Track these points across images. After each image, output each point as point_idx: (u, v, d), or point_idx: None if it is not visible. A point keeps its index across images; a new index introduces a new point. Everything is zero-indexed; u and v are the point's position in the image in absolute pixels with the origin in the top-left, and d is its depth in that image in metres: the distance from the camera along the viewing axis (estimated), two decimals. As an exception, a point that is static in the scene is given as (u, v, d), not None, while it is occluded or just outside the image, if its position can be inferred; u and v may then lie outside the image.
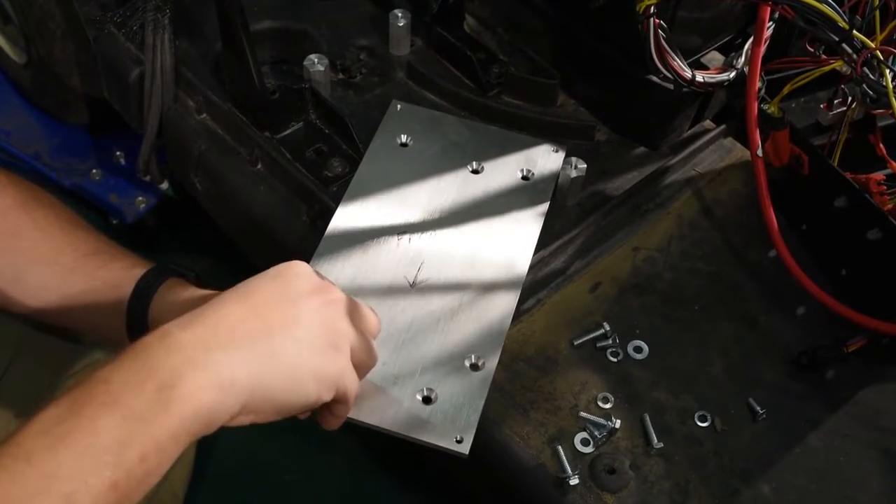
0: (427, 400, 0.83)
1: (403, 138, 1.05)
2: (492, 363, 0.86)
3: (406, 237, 0.96)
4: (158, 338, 0.65)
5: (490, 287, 0.92)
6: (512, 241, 0.97)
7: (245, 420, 0.69)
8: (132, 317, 0.86)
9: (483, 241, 0.96)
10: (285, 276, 0.73)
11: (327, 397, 0.73)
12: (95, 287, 0.86)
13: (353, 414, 0.80)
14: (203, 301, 0.84)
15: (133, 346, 0.65)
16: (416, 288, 0.92)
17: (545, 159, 1.05)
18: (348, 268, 0.92)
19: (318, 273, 0.76)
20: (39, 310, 0.90)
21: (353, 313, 0.76)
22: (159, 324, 0.84)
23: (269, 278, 0.73)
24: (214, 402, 0.64)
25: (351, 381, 0.74)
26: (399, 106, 1.09)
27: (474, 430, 0.81)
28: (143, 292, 0.85)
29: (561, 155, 1.05)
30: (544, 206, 1.00)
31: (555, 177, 1.04)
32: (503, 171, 1.03)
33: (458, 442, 0.80)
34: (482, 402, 0.83)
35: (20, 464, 0.58)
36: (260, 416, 0.69)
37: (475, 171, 1.03)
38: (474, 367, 0.86)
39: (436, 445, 0.80)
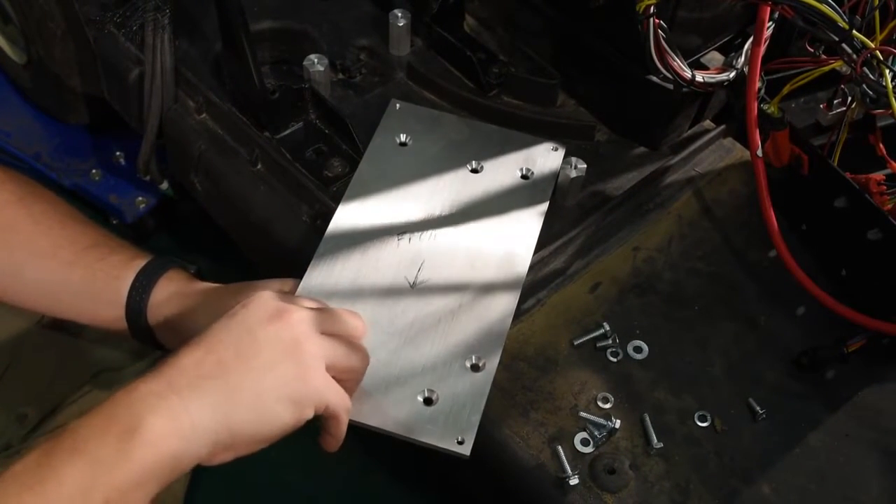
0: (428, 401, 0.83)
1: (403, 137, 1.05)
2: (492, 364, 0.86)
3: (406, 237, 0.96)
4: (125, 391, 0.66)
5: (490, 287, 0.92)
6: (512, 241, 0.97)
7: (226, 457, 0.69)
8: (131, 308, 0.86)
9: (483, 240, 0.96)
10: (241, 311, 0.73)
11: (308, 415, 0.72)
12: (94, 279, 0.86)
13: (354, 416, 0.80)
14: (201, 295, 0.84)
15: (105, 401, 0.66)
16: (416, 288, 0.91)
17: (545, 158, 1.05)
18: (348, 269, 0.92)
19: (283, 295, 0.76)
20: (39, 303, 0.90)
21: (326, 324, 0.75)
22: (158, 315, 0.84)
23: (226, 317, 0.73)
24: (177, 447, 0.65)
25: (335, 395, 0.73)
26: (398, 105, 1.08)
27: (475, 431, 0.81)
28: (143, 284, 0.86)
29: (561, 153, 1.05)
30: (544, 206, 1.00)
31: (554, 175, 1.03)
32: (503, 171, 1.03)
33: (460, 443, 0.80)
34: (483, 402, 0.83)
35: None
36: (238, 450, 0.69)
37: (475, 171, 1.03)
38: (475, 367, 0.86)
39: (437, 447, 0.80)
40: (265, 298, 0.74)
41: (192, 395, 0.66)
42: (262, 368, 0.69)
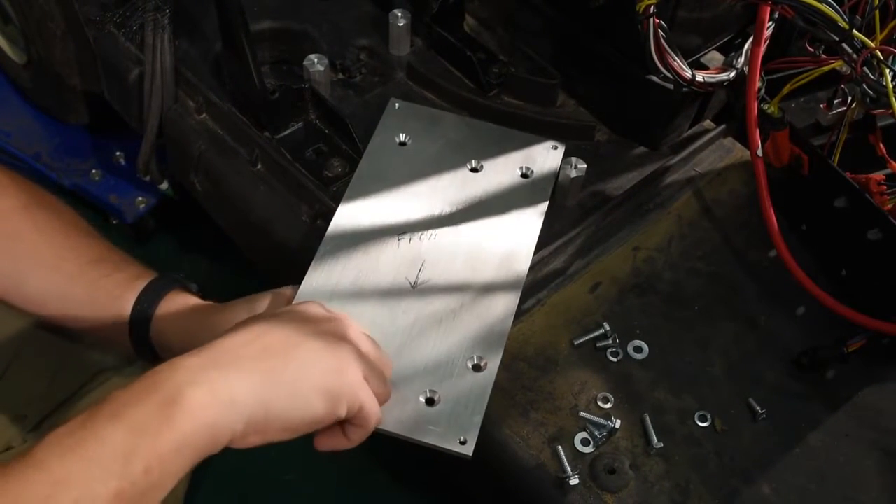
0: (430, 401, 0.83)
1: (402, 137, 1.05)
2: (494, 364, 0.86)
3: (406, 237, 0.96)
4: (168, 364, 0.68)
5: (491, 287, 0.92)
6: (512, 241, 0.97)
7: (255, 440, 0.70)
8: (135, 327, 0.86)
9: (483, 240, 0.96)
10: (292, 310, 0.77)
11: (341, 412, 0.73)
12: (97, 297, 0.87)
13: None
14: (203, 314, 0.85)
15: (142, 375, 0.67)
16: (417, 289, 0.91)
17: (544, 157, 1.05)
18: (349, 269, 0.92)
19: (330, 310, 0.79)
20: (42, 311, 0.90)
21: (367, 345, 0.78)
22: (163, 336, 0.85)
23: (275, 314, 0.77)
24: (216, 418, 0.66)
25: (369, 400, 0.75)
26: (397, 104, 1.08)
27: (478, 432, 0.81)
28: (146, 304, 0.86)
29: (560, 151, 1.05)
30: (544, 205, 1.00)
31: (554, 174, 1.03)
32: (502, 170, 1.03)
33: (462, 444, 0.80)
34: (485, 402, 0.83)
35: (31, 470, 0.60)
36: (269, 434, 0.70)
37: (474, 170, 1.03)
38: (476, 367, 0.86)
39: (439, 447, 0.80)
40: (315, 307, 0.78)
41: (234, 371, 0.68)
42: (306, 359, 0.72)
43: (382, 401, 0.79)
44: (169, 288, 0.88)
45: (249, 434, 0.69)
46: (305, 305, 0.78)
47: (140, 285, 0.87)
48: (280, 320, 0.74)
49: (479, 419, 0.81)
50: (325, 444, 0.77)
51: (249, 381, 0.68)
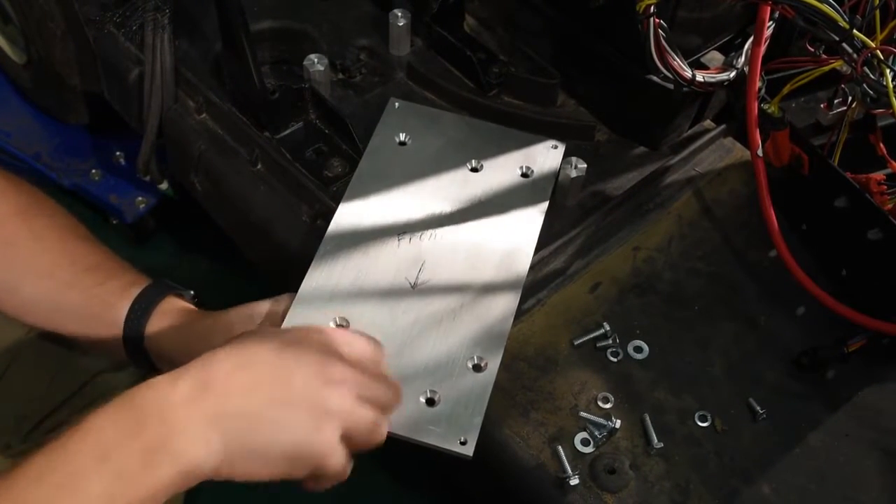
0: (430, 402, 0.83)
1: (402, 136, 1.05)
2: (494, 364, 0.86)
3: (406, 237, 0.96)
4: (154, 391, 0.67)
5: (491, 287, 0.92)
6: (512, 240, 0.96)
7: (222, 476, 0.70)
8: (128, 335, 0.86)
9: (483, 240, 0.96)
10: (286, 336, 0.74)
11: (300, 476, 0.73)
12: (91, 304, 0.87)
13: None
14: (198, 322, 0.85)
15: (126, 396, 0.67)
16: (417, 289, 0.91)
17: (545, 156, 1.04)
18: (349, 269, 0.92)
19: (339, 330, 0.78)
20: (37, 319, 0.90)
21: (363, 388, 0.74)
22: (157, 343, 0.84)
23: (269, 337, 0.74)
24: (197, 466, 0.66)
25: (335, 462, 0.73)
26: (397, 104, 1.08)
27: (478, 432, 0.81)
28: (139, 312, 0.86)
29: (561, 151, 1.05)
30: (544, 204, 1.00)
31: (555, 173, 1.03)
32: (503, 169, 1.03)
33: (463, 444, 0.80)
34: (485, 403, 0.83)
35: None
36: (232, 476, 0.71)
37: (474, 169, 1.03)
38: (477, 367, 0.85)
39: (440, 448, 0.80)
40: (312, 330, 0.75)
41: (220, 416, 0.67)
42: (283, 422, 0.70)
43: (390, 409, 0.77)
44: (163, 295, 0.87)
45: (214, 477, 0.69)
46: (302, 333, 0.75)
47: (134, 292, 0.87)
48: (273, 349, 0.71)
49: (479, 419, 0.81)
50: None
51: (222, 439, 0.67)
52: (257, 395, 0.69)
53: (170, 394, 0.67)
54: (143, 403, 0.66)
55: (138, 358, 0.88)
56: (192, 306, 0.89)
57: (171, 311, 0.87)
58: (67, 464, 0.63)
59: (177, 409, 0.66)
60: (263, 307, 0.87)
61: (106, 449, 0.64)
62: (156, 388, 0.67)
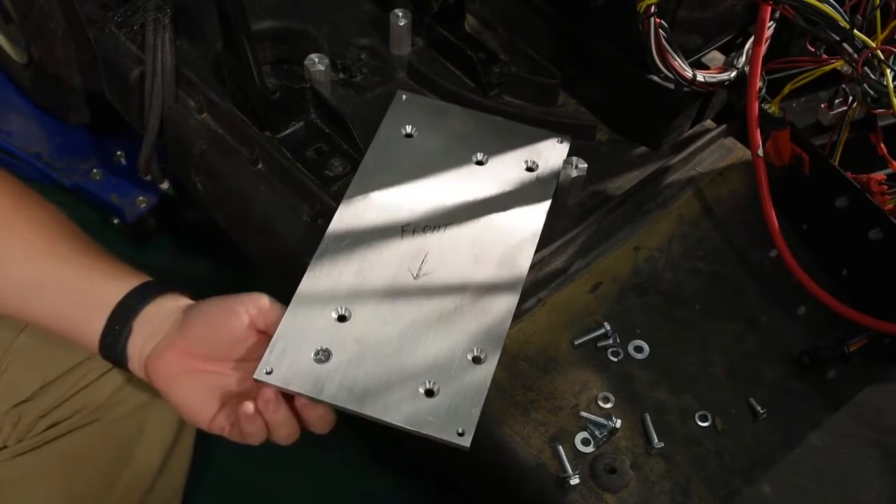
0: (429, 393, 0.83)
1: (408, 129, 1.05)
2: (494, 356, 0.86)
3: (410, 229, 0.96)
4: None
5: (493, 280, 0.92)
6: (516, 234, 0.96)
7: None
8: (116, 315, 0.84)
9: (487, 233, 0.96)
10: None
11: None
12: (89, 276, 0.85)
13: (356, 407, 0.80)
14: (183, 311, 0.85)
15: None
16: (419, 280, 0.91)
17: (550, 150, 1.05)
18: (353, 260, 0.92)
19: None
20: (5, 307, 0.88)
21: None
22: (143, 328, 0.84)
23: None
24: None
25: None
26: (404, 97, 1.09)
27: (476, 423, 0.81)
28: (142, 297, 0.85)
29: (566, 146, 1.05)
30: (548, 199, 1.00)
31: (559, 168, 1.03)
32: (508, 163, 1.03)
33: (460, 435, 0.80)
34: (484, 394, 0.83)
35: None
36: None
37: (480, 163, 1.03)
38: (476, 360, 0.86)
39: (438, 438, 0.80)
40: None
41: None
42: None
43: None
44: (166, 290, 0.86)
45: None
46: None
47: (142, 277, 0.86)
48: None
49: (477, 411, 0.81)
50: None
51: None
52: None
53: None
54: None
55: (112, 344, 0.85)
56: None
57: (169, 302, 0.85)
58: None
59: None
60: (241, 304, 0.85)
61: None
62: None
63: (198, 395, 0.83)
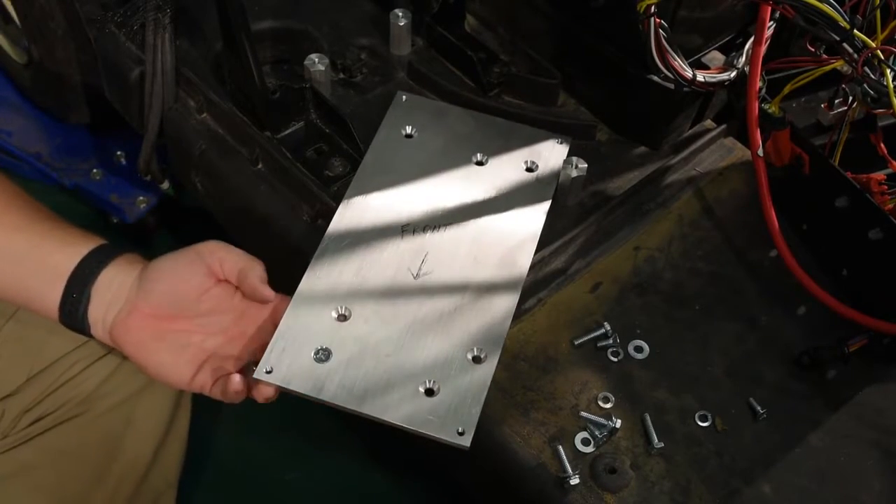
0: (430, 392, 0.83)
1: (408, 129, 1.05)
2: (494, 356, 0.86)
3: (410, 229, 0.96)
4: None
5: (493, 280, 0.92)
6: (516, 234, 0.97)
7: None
8: (76, 281, 0.82)
9: (486, 234, 0.96)
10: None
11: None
12: (42, 245, 0.83)
13: (356, 406, 0.80)
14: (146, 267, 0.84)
15: None
16: (419, 280, 0.92)
17: (550, 151, 1.05)
18: (353, 259, 0.92)
19: None
20: None
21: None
22: (103, 293, 0.82)
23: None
24: None
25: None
26: (404, 97, 1.09)
27: (476, 423, 0.81)
28: (100, 259, 0.82)
29: (566, 147, 1.05)
30: (548, 200, 1.00)
31: (559, 169, 1.03)
32: (508, 163, 1.03)
33: (460, 434, 0.80)
34: (484, 394, 0.83)
35: None
36: None
37: (480, 163, 1.03)
38: (476, 359, 0.86)
39: (438, 438, 0.80)
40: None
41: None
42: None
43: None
44: (121, 252, 0.84)
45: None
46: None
47: (97, 241, 0.84)
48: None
49: (477, 411, 0.81)
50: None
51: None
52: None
53: None
54: None
55: (71, 310, 0.83)
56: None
57: (128, 265, 0.83)
58: None
59: None
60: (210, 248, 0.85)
61: None
62: None
63: (171, 358, 0.81)
